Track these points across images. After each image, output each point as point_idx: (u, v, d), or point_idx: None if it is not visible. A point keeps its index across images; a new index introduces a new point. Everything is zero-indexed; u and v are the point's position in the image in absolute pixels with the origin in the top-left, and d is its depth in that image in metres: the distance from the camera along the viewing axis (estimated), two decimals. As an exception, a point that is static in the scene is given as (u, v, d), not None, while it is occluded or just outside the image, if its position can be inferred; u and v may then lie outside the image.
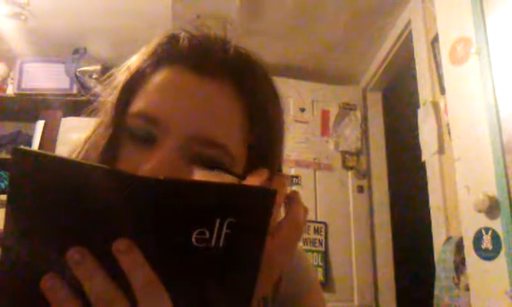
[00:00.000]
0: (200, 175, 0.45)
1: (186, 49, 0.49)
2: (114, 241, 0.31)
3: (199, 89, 0.47)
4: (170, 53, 0.50)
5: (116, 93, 0.51)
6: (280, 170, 0.55)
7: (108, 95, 0.52)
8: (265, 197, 0.34)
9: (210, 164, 0.46)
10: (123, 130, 0.47)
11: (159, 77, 0.48)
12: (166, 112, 0.45)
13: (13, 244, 0.31)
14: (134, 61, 0.52)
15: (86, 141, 0.52)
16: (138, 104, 0.48)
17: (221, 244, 0.33)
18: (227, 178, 0.47)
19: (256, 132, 0.50)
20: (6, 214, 0.31)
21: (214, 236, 0.32)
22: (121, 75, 0.53)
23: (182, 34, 0.51)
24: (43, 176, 0.30)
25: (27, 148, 0.30)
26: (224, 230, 0.33)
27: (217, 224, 0.32)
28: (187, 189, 0.32)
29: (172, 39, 0.51)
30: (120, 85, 0.51)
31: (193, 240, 0.32)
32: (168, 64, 0.49)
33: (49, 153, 0.31)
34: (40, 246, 0.32)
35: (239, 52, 0.52)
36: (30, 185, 0.30)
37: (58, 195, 0.31)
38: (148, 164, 0.43)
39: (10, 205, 0.31)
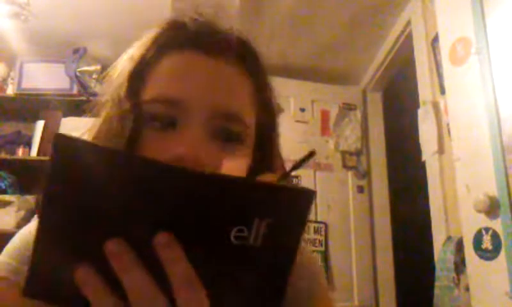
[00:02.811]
0: (221, 147, 0.47)
1: (193, 33, 0.51)
2: (153, 234, 0.30)
3: (210, 68, 0.49)
4: (176, 38, 0.51)
5: (123, 82, 0.50)
6: (283, 167, 0.57)
7: (111, 88, 0.52)
8: (305, 199, 0.33)
9: (230, 137, 0.48)
10: (141, 117, 0.47)
11: (169, 62, 0.49)
12: (185, 93, 0.47)
13: (49, 232, 0.30)
14: (136, 50, 0.52)
15: (94, 139, 0.51)
16: (153, 90, 0.48)
17: (258, 243, 0.33)
18: (245, 150, 0.50)
19: (260, 110, 0.53)
20: (44, 201, 0.30)
21: (252, 235, 0.32)
22: (123, 66, 0.53)
23: (187, 19, 0.53)
24: (84, 164, 0.29)
25: (70, 134, 0.29)
26: (263, 230, 0.32)
27: (256, 224, 0.32)
28: (231, 187, 0.32)
29: (175, 25, 0.53)
30: (125, 74, 0.51)
31: (232, 237, 0.32)
32: (176, 48, 0.50)
33: (91, 141, 0.30)
34: (78, 236, 0.31)
35: (240, 35, 0.54)
36: (71, 172, 0.29)
37: (99, 184, 0.30)
38: (180, 147, 0.44)
39: (48, 192, 0.30)
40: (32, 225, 0.55)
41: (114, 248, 0.30)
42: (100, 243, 0.30)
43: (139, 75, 0.50)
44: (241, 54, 0.51)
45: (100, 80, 2.68)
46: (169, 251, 0.30)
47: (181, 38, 0.51)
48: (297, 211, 0.33)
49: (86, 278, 0.30)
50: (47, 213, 0.30)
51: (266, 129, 0.55)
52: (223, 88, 0.48)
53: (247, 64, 0.52)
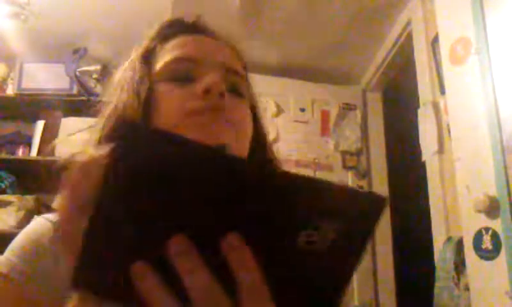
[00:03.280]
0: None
1: (192, 22, 0.60)
2: (219, 234, 0.28)
3: (213, 42, 0.58)
4: (178, 28, 0.59)
5: (135, 62, 0.56)
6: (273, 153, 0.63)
7: (121, 73, 0.57)
8: (378, 205, 0.31)
9: (238, 91, 0.55)
10: (159, 77, 0.52)
11: (176, 41, 0.56)
12: (201, 52, 0.54)
13: (104, 223, 0.29)
14: (144, 39, 0.59)
15: (110, 116, 0.53)
16: (167, 57, 0.54)
17: (324, 248, 0.31)
18: (245, 102, 0.56)
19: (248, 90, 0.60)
20: (104, 187, 0.28)
21: (321, 239, 0.30)
22: (135, 51, 0.59)
23: (184, 15, 0.61)
24: (151, 153, 0.28)
25: (136, 122, 0.29)
26: (331, 235, 0.30)
27: (325, 227, 0.30)
28: (303, 186, 0.30)
29: (176, 20, 0.61)
30: (138, 54, 0.57)
31: (301, 241, 0.30)
32: (178, 34, 0.57)
33: (159, 128, 0.28)
34: (136, 230, 0.29)
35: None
36: (135, 160, 0.28)
37: (164, 175, 0.28)
38: (206, 79, 0.50)
39: (111, 179, 0.28)
40: (37, 223, 0.55)
41: (179, 246, 0.28)
42: (160, 239, 0.28)
43: (148, 55, 0.56)
44: (232, 45, 0.60)
45: (100, 80, 2.68)
46: (240, 254, 0.29)
47: (182, 27, 0.59)
48: (367, 217, 0.31)
49: (143, 274, 0.29)
50: (104, 203, 0.28)
51: (254, 108, 0.61)
52: (227, 53, 0.57)
53: (237, 52, 0.60)
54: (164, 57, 0.53)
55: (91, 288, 0.30)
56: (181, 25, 0.59)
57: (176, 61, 0.52)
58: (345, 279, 0.33)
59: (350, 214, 0.31)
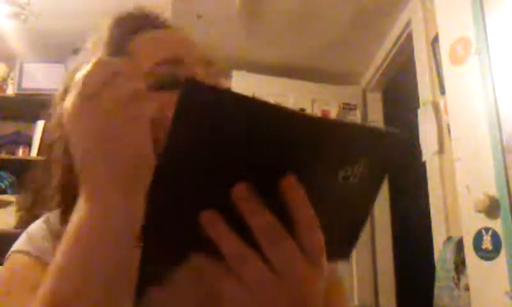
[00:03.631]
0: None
1: (155, 16, 0.59)
2: (276, 179, 0.31)
3: (183, 36, 0.57)
4: (144, 20, 0.58)
5: (103, 52, 0.54)
6: None
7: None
8: (398, 142, 0.37)
9: (219, 81, 0.56)
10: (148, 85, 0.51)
11: (144, 38, 0.54)
12: (182, 50, 0.53)
13: (168, 178, 0.30)
14: (103, 30, 0.59)
15: None
16: (150, 56, 0.51)
17: (356, 181, 0.35)
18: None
19: None
20: (168, 147, 0.29)
21: (354, 173, 0.34)
22: (93, 44, 0.59)
23: (137, 11, 0.60)
24: (214, 109, 0.29)
25: (199, 80, 0.29)
26: (361, 168, 0.34)
27: (358, 163, 0.34)
28: (343, 129, 0.34)
29: (139, 12, 0.59)
30: (103, 46, 0.56)
31: (340, 177, 0.34)
32: (147, 27, 0.56)
33: (220, 86, 0.31)
34: (202, 179, 0.31)
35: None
36: (199, 116, 0.29)
37: (226, 130, 0.30)
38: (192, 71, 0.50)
39: (174, 133, 0.29)
40: (42, 220, 0.55)
41: (243, 192, 0.31)
42: (225, 188, 0.31)
43: (117, 48, 0.54)
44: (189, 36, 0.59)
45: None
46: (296, 193, 0.32)
47: (148, 19, 0.58)
48: (389, 153, 0.37)
49: (212, 220, 0.31)
50: (171, 156, 0.30)
51: None
52: (198, 47, 0.56)
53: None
54: (147, 57, 0.51)
55: (159, 245, 0.32)
56: (146, 17, 0.58)
57: (163, 63, 0.50)
58: (367, 211, 0.39)
59: (376, 150, 0.35)
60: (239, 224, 0.31)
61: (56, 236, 0.50)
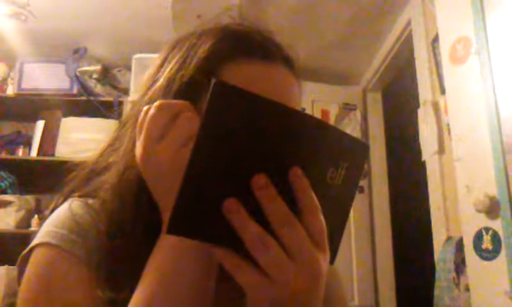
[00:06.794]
0: None
1: (258, 42, 0.55)
2: (285, 171, 0.36)
3: (285, 77, 0.56)
4: (242, 46, 0.54)
5: (191, 69, 0.51)
6: None
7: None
8: (366, 150, 0.43)
9: None
10: None
11: (239, 70, 0.52)
12: (276, 95, 0.50)
13: (198, 171, 0.34)
14: (197, 46, 0.54)
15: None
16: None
17: (339, 182, 0.40)
18: None
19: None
20: (198, 140, 0.33)
21: (338, 175, 0.39)
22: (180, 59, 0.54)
23: (241, 28, 0.58)
24: (239, 109, 0.34)
25: (226, 82, 0.34)
26: (344, 171, 0.39)
27: (341, 165, 0.39)
28: (334, 133, 0.39)
29: (232, 34, 0.56)
30: (192, 67, 0.52)
31: (328, 177, 0.39)
32: (241, 56, 0.53)
33: (244, 89, 0.34)
34: (225, 174, 0.35)
35: (282, 43, 0.61)
36: (226, 115, 0.34)
37: (249, 129, 0.35)
38: None
39: (204, 129, 0.33)
40: (67, 206, 0.53)
41: (262, 181, 0.35)
42: (242, 181, 0.35)
43: (205, 73, 0.50)
44: (290, 60, 0.58)
45: (100, 80, 2.68)
46: (302, 181, 0.37)
47: (248, 47, 0.54)
48: (361, 158, 0.42)
49: (233, 207, 0.35)
50: (200, 152, 0.34)
51: None
52: (288, 94, 0.54)
53: (295, 70, 0.58)
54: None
55: (189, 232, 0.35)
56: (249, 45, 0.54)
57: None
58: (348, 209, 0.43)
59: (353, 156, 0.41)
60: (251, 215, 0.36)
61: (81, 228, 0.50)
